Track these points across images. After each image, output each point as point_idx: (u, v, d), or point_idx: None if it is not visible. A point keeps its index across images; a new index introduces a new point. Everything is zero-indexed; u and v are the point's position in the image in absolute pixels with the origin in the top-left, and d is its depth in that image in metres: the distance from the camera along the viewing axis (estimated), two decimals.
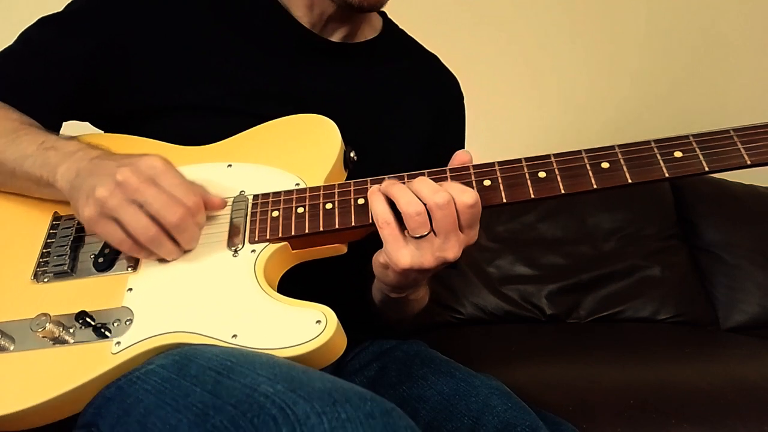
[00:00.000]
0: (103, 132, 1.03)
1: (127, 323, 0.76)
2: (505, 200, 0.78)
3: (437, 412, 0.84)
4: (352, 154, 0.89)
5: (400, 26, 1.15)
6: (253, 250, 0.80)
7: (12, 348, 0.76)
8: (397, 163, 0.83)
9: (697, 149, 0.75)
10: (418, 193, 0.74)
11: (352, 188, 0.81)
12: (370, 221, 0.78)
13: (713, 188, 1.98)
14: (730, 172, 1.97)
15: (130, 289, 0.79)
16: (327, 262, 0.85)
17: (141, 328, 0.76)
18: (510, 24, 2.13)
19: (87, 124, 1.04)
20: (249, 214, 0.83)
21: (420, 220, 0.73)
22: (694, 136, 0.77)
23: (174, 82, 0.95)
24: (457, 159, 0.81)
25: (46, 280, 0.82)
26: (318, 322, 0.72)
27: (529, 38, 2.15)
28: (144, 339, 0.74)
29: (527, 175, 0.78)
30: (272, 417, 0.58)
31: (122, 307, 0.78)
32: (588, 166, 0.77)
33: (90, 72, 0.95)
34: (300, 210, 0.81)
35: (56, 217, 0.88)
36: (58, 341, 0.76)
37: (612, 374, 1.30)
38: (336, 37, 1.02)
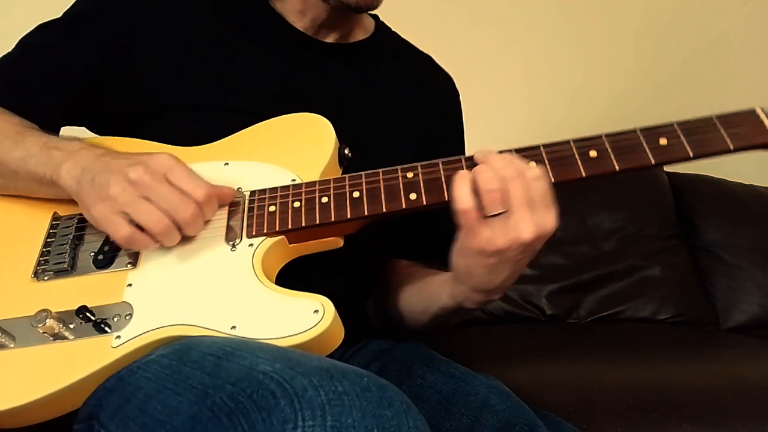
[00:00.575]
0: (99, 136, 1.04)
1: (127, 318, 0.77)
2: None
3: (436, 412, 0.85)
4: (346, 151, 0.89)
5: (396, 26, 1.15)
6: (251, 244, 0.81)
7: (12, 345, 0.77)
8: (393, 162, 0.84)
9: (681, 136, 0.77)
10: (492, 168, 0.74)
11: (347, 182, 0.83)
12: (365, 213, 0.80)
13: (713, 188, 1.98)
14: (730, 172, 1.97)
15: (130, 285, 0.80)
16: (322, 260, 0.86)
17: (141, 322, 0.76)
18: (506, 22, 2.14)
19: (83, 129, 1.04)
20: (246, 209, 0.84)
21: (494, 198, 0.73)
22: (678, 123, 0.78)
23: (175, 81, 0.95)
24: None
25: (46, 278, 0.83)
26: (316, 311, 0.73)
27: (526, 36, 2.16)
28: (144, 332, 0.75)
29: None
30: (271, 392, 0.59)
31: (122, 302, 0.79)
32: (576, 155, 0.78)
33: (92, 73, 0.95)
34: (296, 204, 0.82)
35: (56, 217, 0.89)
36: (58, 337, 0.76)
37: (612, 374, 1.30)
38: (329, 40, 1.03)
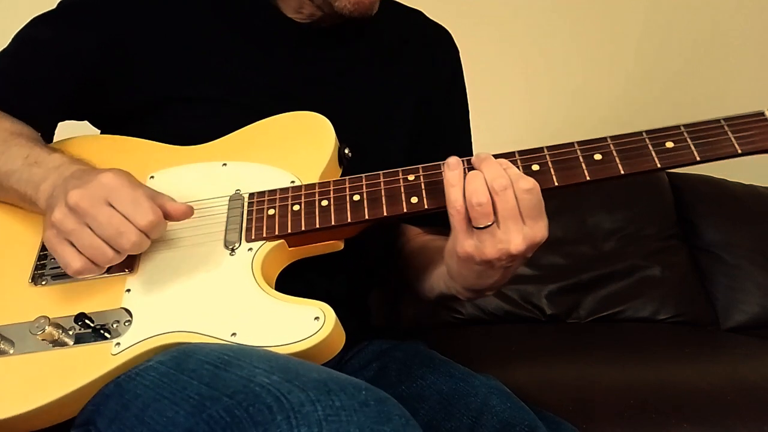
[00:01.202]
0: (100, 131, 1.03)
1: (126, 324, 0.76)
2: None
3: (436, 412, 0.84)
4: (346, 151, 0.89)
5: None
6: (250, 249, 0.80)
7: (12, 351, 0.77)
8: (391, 150, 0.83)
9: (688, 139, 0.76)
10: (484, 176, 0.74)
11: (347, 185, 0.82)
12: (366, 217, 0.79)
13: (713, 188, 1.97)
14: (730, 172, 1.96)
15: (129, 290, 0.79)
16: (323, 261, 0.85)
17: (140, 328, 0.76)
18: (506, 22, 2.13)
19: (86, 123, 1.03)
20: (245, 212, 0.83)
21: (481, 211, 0.72)
22: (685, 126, 0.77)
23: (174, 78, 0.95)
24: None
25: (44, 282, 0.83)
26: (316, 318, 0.72)
27: (526, 36, 2.15)
28: (143, 339, 0.75)
29: (521, 169, 0.78)
30: (267, 406, 0.59)
31: (121, 308, 0.78)
32: (581, 158, 0.77)
33: (90, 70, 0.95)
34: (296, 207, 0.82)
35: None
36: (57, 343, 0.76)
37: (612, 374, 1.29)
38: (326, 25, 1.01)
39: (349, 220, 0.80)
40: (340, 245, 0.85)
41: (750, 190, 1.99)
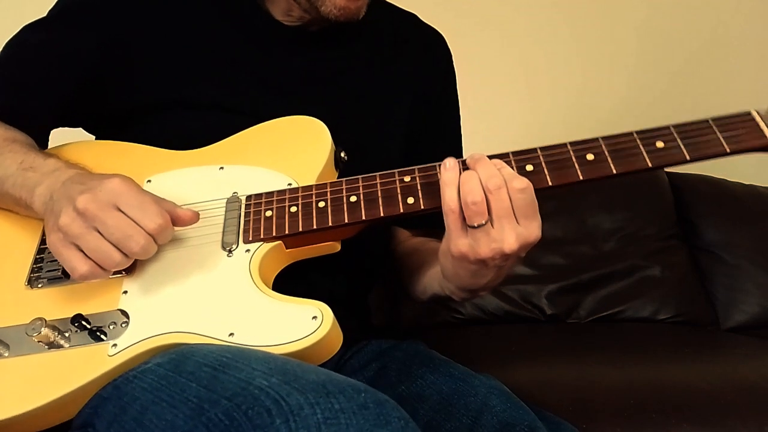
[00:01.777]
0: (95, 137, 1.03)
1: (123, 325, 0.76)
2: None
3: (436, 412, 0.84)
4: (342, 154, 0.89)
5: None
6: (248, 250, 0.80)
7: (7, 354, 0.76)
8: (387, 150, 0.83)
9: (677, 139, 0.78)
10: (479, 175, 0.74)
11: (343, 186, 0.82)
12: (363, 218, 0.80)
13: (713, 188, 1.98)
14: (730, 172, 1.97)
15: (125, 292, 0.79)
16: (322, 261, 0.85)
17: (137, 329, 0.76)
18: (506, 23, 2.14)
19: (80, 130, 1.03)
20: (242, 214, 0.83)
21: (476, 210, 0.73)
22: (674, 126, 0.78)
23: (173, 80, 0.95)
24: None
25: (40, 285, 0.82)
26: (314, 318, 0.72)
27: (525, 35, 2.15)
28: (140, 340, 0.75)
29: (515, 170, 0.78)
30: (266, 409, 0.59)
31: (117, 309, 0.78)
32: (574, 159, 0.78)
33: (90, 72, 0.95)
34: (293, 209, 0.82)
35: None
36: (53, 346, 0.76)
37: (612, 374, 1.29)
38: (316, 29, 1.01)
39: (346, 221, 0.80)
40: (337, 246, 0.85)
41: (750, 190, 1.99)
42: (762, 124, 0.77)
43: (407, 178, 0.81)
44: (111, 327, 0.76)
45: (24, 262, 0.85)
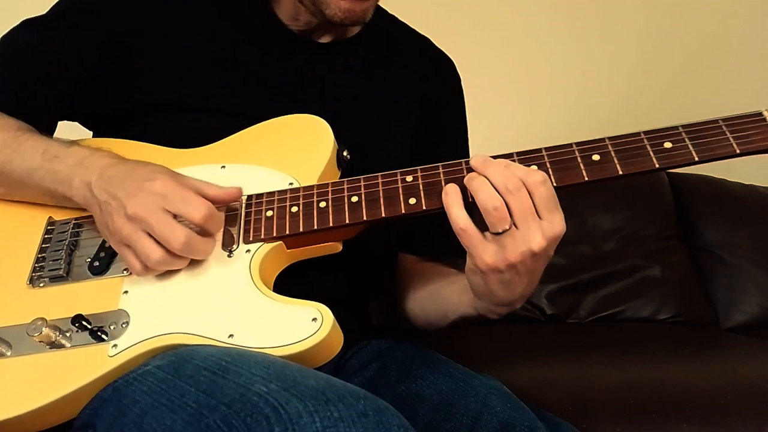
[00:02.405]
0: (92, 133, 1.03)
1: (124, 326, 0.76)
2: None
3: (436, 412, 0.84)
4: (344, 153, 0.89)
5: None
6: (248, 250, 0.80)
7: (9, 353, 0.76)
8: (391, 156, 0.82)
9: (686, 139, 0.76)
10: (492, 181, 0.73)
11: (345, 186, 0.82)
12: (364, 218, 0.79)
13: (713, 188, 1.97)
14: (730, 172, 1.96)
15: (126, 292, 0.79)
16: (323, 261, 0.85)
17: (138, 330, 0.76)
18: (506, 24, 2.13)
19: (76, 124, 1.03)
20: (243, 214, 0.83)
21: (498, 215, 0.71)
22: (683, 126, 0.77)
23: (174, 81, 0.95)
24: None
25: (41, 284, 0.82)
26: (314, 319, 0.72)
27: (525, 36, 2.15)
28: (141, 341, 0.75)
29: None
30: (265, 416, 0.58)
31: (118, 309, 0.78)
32: (579, 159, 0.77)
33: (91, 72, 0.95)
34: (294, 209, 0.81)
35: (51, 222, 0.88)
36: (54, 345, 0.76)
37: (612, 374, 1.29)
38: (324, 40, 1.01)
39: (347, 221, 0.80)
40: (338, 247, 0.84)
41: (750, 190, 1.99)
42: None
43: (409, 178, 0.80)
44: (112, 327, 0.76)
45: (26, 261, 0.85)
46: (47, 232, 0.87)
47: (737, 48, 2.25)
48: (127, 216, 0.76)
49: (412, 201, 0.79)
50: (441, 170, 0.80)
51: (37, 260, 0.84)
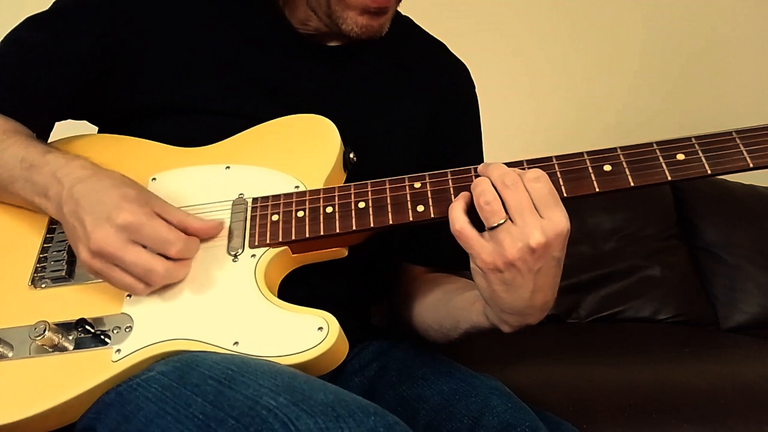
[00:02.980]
0: (98, 129, 1.02)
1: (127, 330, 0.76)
2: None
3: (437, 413, 0.84)
4: (351, 155, 0.88)
5: None
6: (253, 255, 0.79)
7: (11, 355, 0.76)
8: (397, 160, 0.82)
9: (699, 151, 0.74)
10: (490, 178, 0.72)
11: (352, 191, 0.81)
12: (371, 225, 0.78)
13: (713, 188, 1.97)
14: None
15: (129, 295, 0.78)
16: (325, 263, 0.84)
17: (141, 335, 0.75)
18: (510, 28, 2.13)
19: (85, 122, 1.02)
20: (248, 218, 0.82)
21: (490, 209, 0.71)
22: (696, 138, 0.75)
23: (176, 81, 0.94)
24: None
25: (43, 285, 0.82)
26: (320, 329, 0.71)
27: (529, 41, 2.14)
28: (144, 347, 0.74)
29: None
30: None
31: (121, 313, 0.77)
32: (590, 169, 0.76)
33: (91, 72, 0.94)
34: (300, 214, 0.80)
35: (52, 222, 0.87)
36: (57, 348, 0.75)
37: (612, 374, 1.29)
38: (333, 43, 1.00)
39: (353, 228, 0.79)
40: (344, 252, 0.84)
41: (750, 190, 1.99)
42: None
43: (417, 185, 0.79)
44: (115, 331, 0.76)
45: (28, 261, 0.84)
46: (49, 231, 0.86)
47: (741, 50, 2.24)
48: (91, 251, 0.74)
49: (420, 208, 0.78)
50: (449, 177, 0.79)
51: (39, 261, 0.84)
